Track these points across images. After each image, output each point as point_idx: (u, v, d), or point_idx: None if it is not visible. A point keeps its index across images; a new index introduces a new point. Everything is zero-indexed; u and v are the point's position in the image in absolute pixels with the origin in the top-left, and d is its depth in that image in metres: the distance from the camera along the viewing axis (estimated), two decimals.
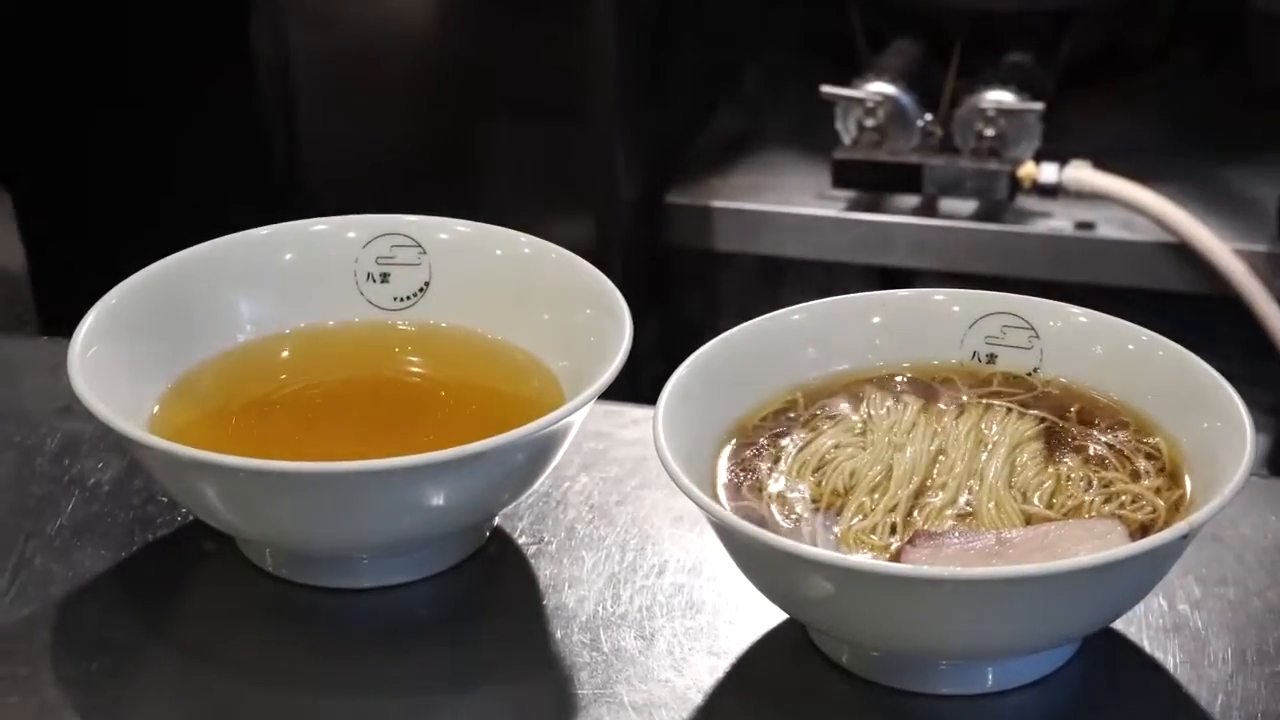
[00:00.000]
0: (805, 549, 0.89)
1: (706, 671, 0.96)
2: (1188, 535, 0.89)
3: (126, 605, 1.02)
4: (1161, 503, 0.95)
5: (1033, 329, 1.04)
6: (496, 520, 1.06)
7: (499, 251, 1.13)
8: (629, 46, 2.05)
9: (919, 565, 0.91)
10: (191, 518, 1.06)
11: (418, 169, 2.16)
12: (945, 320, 1.05)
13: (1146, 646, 0.97)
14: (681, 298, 2.23)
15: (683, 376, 0.99)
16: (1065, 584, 0.87)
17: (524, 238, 1.12)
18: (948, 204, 2.06)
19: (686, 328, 2.16)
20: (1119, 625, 0.98)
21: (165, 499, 1.07)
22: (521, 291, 1.11)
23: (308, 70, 1.86)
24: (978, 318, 1.05)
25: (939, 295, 1.06)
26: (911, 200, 2.07)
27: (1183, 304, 2.00)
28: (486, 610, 1.01)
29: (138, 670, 0.98)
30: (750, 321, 1.03)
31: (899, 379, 1.04)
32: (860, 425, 1.01)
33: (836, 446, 1.00)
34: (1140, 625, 0.98)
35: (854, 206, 2.07)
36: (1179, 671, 0.96)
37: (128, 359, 1.05)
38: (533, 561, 1.04)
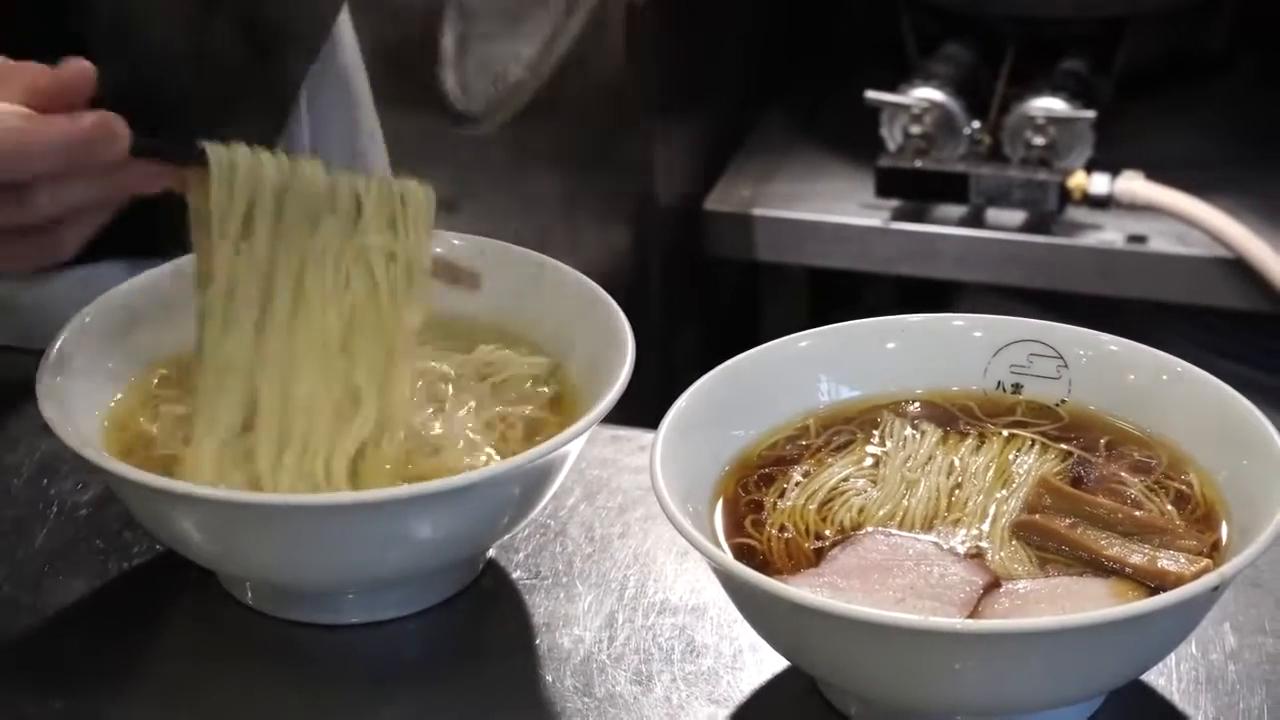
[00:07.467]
0: (806, 596, 0.83)
1: None
2: (1218, 587, 0.83)
3: (98, 639, 0.96)
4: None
5: (1061, 358, 0.98)
6: (491, 552, 1.01)
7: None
8: (670, 49, 2.00)
9: (931, 617, 0.85)
10: None
11: (455, 173, 2.11)
12: (967, 347, 0.99)
13: (1176, 700, 0.91)
14: (721, 308, 2.17)
15: (682, 409, 0.93)
16: (1085, 638, 0.81)
17: (536, 256, 1.07)
18: (995, 214, 2.00)
19: (727, 338, 2.10)
20: (1148, 676, 0.91)
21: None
22: (525, 308, 1.06)
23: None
24: (1003, 345, 0.99)
25: (959, 320, 1.00)
26: (958, 210, 2.00)
27: (1237, 321, 1.93)
28: (476, 650, 0.96)
29: (106, 710, 0.93)
30: (758, 348, 0.97)
31: (915, 405, 0.98)
32: (873, 457, 0.95)
33: (846, 479, 0.94)
34: (1170, 676, 0.92)
35: (898, 216, 2.01)
36: None
37: (98, 373, 1.00)
38: (527, 597, 0.99)
